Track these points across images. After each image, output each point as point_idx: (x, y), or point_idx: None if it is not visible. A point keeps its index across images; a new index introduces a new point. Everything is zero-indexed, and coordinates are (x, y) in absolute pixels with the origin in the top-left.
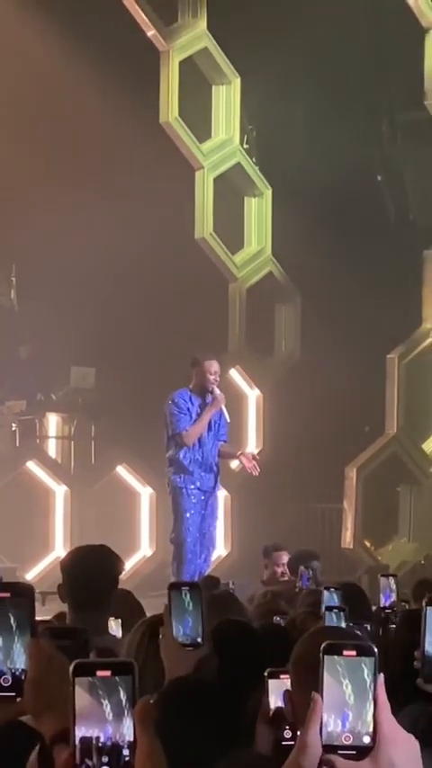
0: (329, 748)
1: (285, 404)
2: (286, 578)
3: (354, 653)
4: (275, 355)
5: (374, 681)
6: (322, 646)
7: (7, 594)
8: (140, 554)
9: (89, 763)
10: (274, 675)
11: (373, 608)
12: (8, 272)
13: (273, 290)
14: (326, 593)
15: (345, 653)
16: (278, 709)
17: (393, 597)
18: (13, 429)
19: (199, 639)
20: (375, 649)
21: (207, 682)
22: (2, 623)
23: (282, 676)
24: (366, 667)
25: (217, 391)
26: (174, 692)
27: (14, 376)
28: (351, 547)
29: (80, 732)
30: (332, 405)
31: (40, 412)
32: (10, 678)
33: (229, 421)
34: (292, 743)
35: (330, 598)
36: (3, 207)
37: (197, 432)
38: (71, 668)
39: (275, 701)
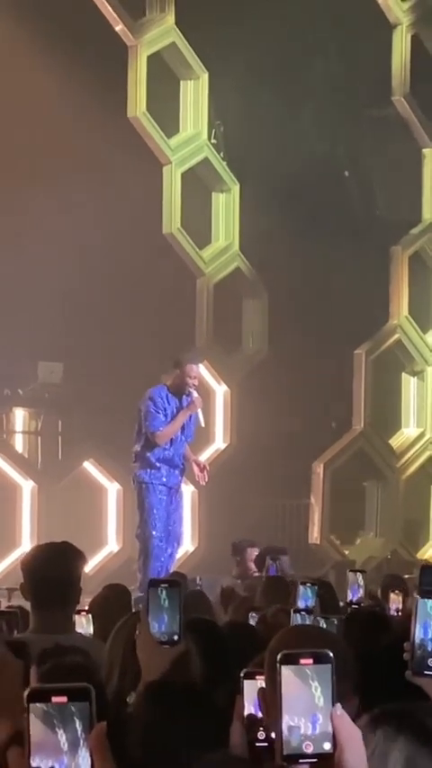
0: (290, 758)
1: (253, 399)
2: (258, 574)
3: (310, 661)
4: (243, 351)
5: (332, 688)
6: (278, 656)
7: None
8: (107, 550)
9: None
10: (250, 676)
11: (341, 603)
12: None
13: (240, 286)
14: (301, 587)
15: (301, 661)
16: (250, 716)
17: (361, 593)
18: None
19: (176, 637)
20: (331, 655)
21: (181, 682)
22: None
23: (257, 677)
24: (320, 676)
25: (195, 394)
26: (148, 695)
27: None
28: (318, 542)
29: (35, 763)
30: (299, 400)
31: (7, 407)
32: None
33: (203, 425)
34: (266, 744)
35: (305, 593)
36: None
37: (170, 432)
38: (25, 695)
39: (250, 702)
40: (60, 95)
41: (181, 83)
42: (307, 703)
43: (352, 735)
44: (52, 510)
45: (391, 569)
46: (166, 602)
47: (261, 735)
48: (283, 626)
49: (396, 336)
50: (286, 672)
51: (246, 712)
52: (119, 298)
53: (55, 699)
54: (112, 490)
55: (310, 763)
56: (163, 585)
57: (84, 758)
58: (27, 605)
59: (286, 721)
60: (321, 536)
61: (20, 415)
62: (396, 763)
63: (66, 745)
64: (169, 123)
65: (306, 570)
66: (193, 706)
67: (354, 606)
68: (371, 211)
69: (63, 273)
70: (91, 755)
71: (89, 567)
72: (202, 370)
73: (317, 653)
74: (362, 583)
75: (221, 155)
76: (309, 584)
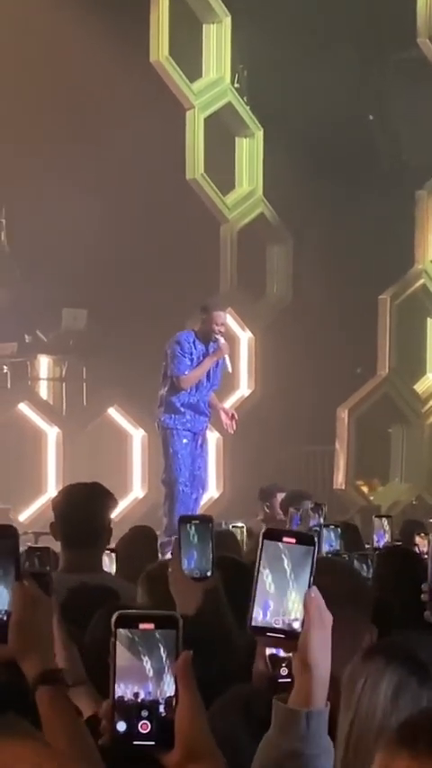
0: (258, 630)
1: (277, 346)
2: (283, 518)
3: (293, 540)
4: (267, 297)
5: (310, 570)
6: (262, 530)
7: None
8: (132, 496)
9: (126, 720)
10: None
11: (366, 547)
12: None
13: (264, 232)
14: (324, 530)
15: (285, 539)
16: (272, 656)
17: (387, 537)
18: (5, 371)
19: (208, 573)
20: (315, 539)
21: (211, 619)
22: None
23: None
24: (290, 556)
25: (222, 340)
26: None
27: (4, 318)
28: (343, 488)
29: (120, 690)
30: (324, 346)
31: (31, 354)
32: None
33: (231, 371)
34: (289, 680)
35: (329, 536)
36: None
37: (195, 377)
38: (113, 620)
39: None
40: (81, 41)
41: (204, 26)
42: (282, 581)
43: (321, 619)
44: (77, 456)
45: (416, 514)
46: (196, 539)
47: (284, 671)
48: None
49: (421, 281)
50: (268, 548)
51: (268, 652)
52: (142, 244)
53: (142, 626)
54: (137, 436)
55: (277, 638)
56: (194, 522)
57: (169, 685)
58: (54, 547)
59: (261, 596)
60: (346, 482)
61: (44, 362)
62: (386, 691)
63: (151, 671)
64: (192, 68)
65: (331, 516)
66: (221, 642)
67: (380, 551)
68: (396, 155)
69: (86, 220)
70: (176, 682)
71: (114, 512)
72: (227, 317)
73: (302, 534)
74: (387, 528)
75: (245, 99)
76: (332, 527)
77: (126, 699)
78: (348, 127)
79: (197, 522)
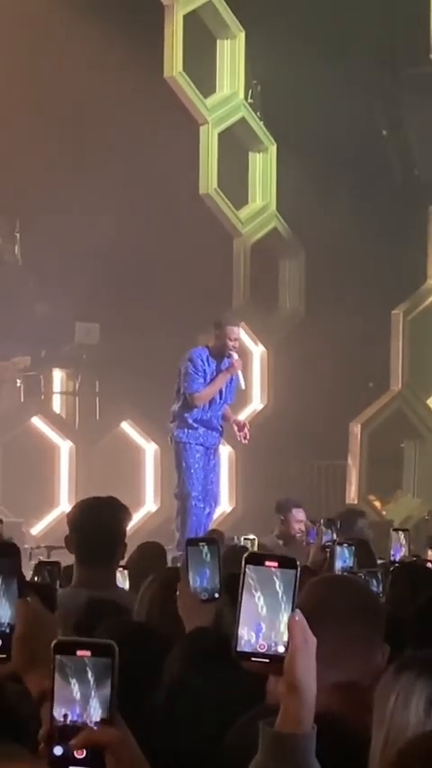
0: (243, 655)
1: (290, 360)
2: (300, 535)
3: (276, 564)
4: (280, 311)
5: (293, 593)
6: (245, 555)
7: None
8: (145, 509)
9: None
10: None
11: (379, 561)
12: (12, 228)
13: (277, 246)
14: (338, 548)
15: (267, 563)
16: None
17: (404, 551)
18: (18, 385)
19: (216, 594)
20: (297, 562)
21: (220, 635)
22: None
23: None
24: (281, 579)
25: (235, 356)
26: (196, 641)
27: (19, 332)
28: (356, 502)
29: (57, 713)
30: (337, 361)
31: (45, 368)
32: None
33: (244, 387)
34: None
35: (342, 554)
36: (5, 163)
37: (208, 395)
38: (52, 645)
39: None
40: (95, 57)
41: (218, 42)
42: (274, 604)
43: (306, 641)
44: (90, 470)
45: (428, 529)
46: (208, 558)
47: None
48: None
49: None
50: (251, 572)
51: None
52: (155, 258)
53: (80, 652)
54: (150, 450)
55: (261, 662)
56: (202, 543)
57: (95, 709)
58: (65, 562)
59: (245, 620)
60: (359, 496)
61: (57, 376)
62: (418, 704)
63: (78, 695)
64: (206, 83)
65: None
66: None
67: (396, 565)
68: (409, 171)
69: (100, 234)
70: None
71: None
72: (240, 331)
73: (282, 557)
74: (404, 542)
75: (258, 114)
76: (346, 545)
77: (63, 723)
78: (361, 142)
79: (206, 543)
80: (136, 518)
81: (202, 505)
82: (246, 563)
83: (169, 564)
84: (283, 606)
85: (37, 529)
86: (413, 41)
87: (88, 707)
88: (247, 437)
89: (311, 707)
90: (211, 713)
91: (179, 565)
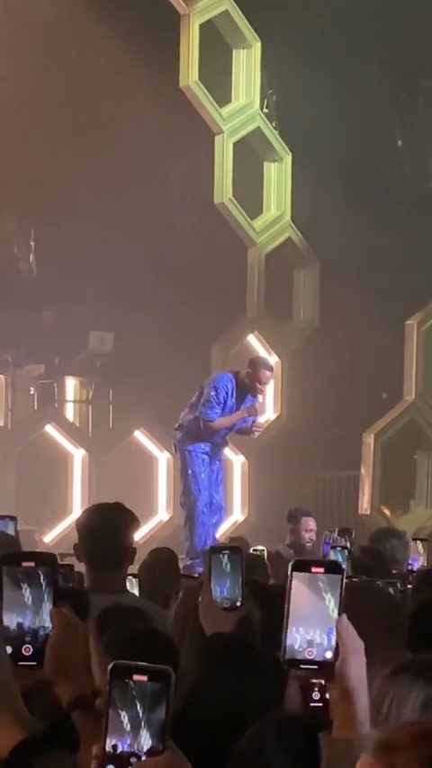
0: (292, 663)
1: (304, 370)
2: (310, 544)
3: (322, 570)
4: (294, 321)
5: (340, 598)
6: (291, 563)
7: (31, 564)
8: (157, 518)
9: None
10: None
11: (393, 571)
12: (27, 237)
13: (292, 256)
14: (331, 551)
15: (313, 570)
16: (304, 681)
17: (422, 560)
18: (32, 393)
19: (238, 603)
20: (344, 567)
21: (246, 639)
22: (25, 593)
23: None
24: (327, 585)
25: (260, 399)
26: (216, 647)
27: (33, 340)
28: (368, 513)
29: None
30: (350, 371)
31: (59, 376)
32: (31, 648)
33: (255, 437)
34: (321, 704)
35: (334, 557)
36: (21, 173)
37: (222, 426)
38: (108, 668)
39: None
40: (111, 67)
41: (233, 51)
42: (320, 611)
43: (355, 646)
44: (103, 478)
45: None
46: (228, 567)
47: (316, 695)
48: None
49: None
50: (297, 579)
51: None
52: (169, 267)
53: (136, 677)
54: (162, 459)
55: (310, 669)
56: (225, 552)
57: (146, 739)
58: (77, 567)
59: (292, 627)
60: (371, 507)
61: (71, 384)
62: (413, 706)
63: (131, 725)
64: (221, 92)
65: (356, 542)
66: (253, 666)
67: (414, 574)
68: (424, 182)
69: (114, 243)
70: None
71: (139, 535)
72: (254, 341)
73: (328, 562)
74: (422, 551)
75: (273, 124)
76: (339, 548)
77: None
78: (376, 152)
79: (228, 552)
80: (148, 527)
81: (208, 513)
82: (292, 570)
83: (181, 571)
84: (330, 612)
85: (50, 537)
86: (429, 54)
87: (139, 735)
88: (261, 427)
89: (366, 711)
90: (226, 717)
91: (190, 573)
